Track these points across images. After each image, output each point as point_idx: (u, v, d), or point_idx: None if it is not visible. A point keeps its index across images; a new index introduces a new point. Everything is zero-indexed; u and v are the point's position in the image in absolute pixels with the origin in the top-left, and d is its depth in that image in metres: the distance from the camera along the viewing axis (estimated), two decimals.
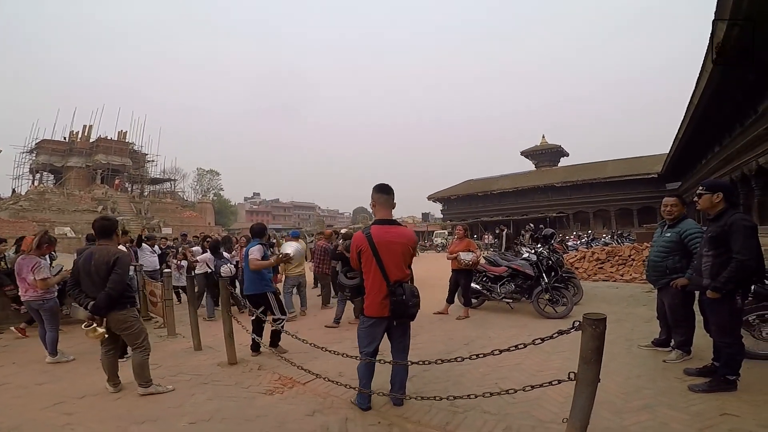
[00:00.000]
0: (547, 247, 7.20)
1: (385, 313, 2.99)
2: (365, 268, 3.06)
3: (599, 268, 10.51)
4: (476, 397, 2.52)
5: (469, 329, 5.66)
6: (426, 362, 2.68)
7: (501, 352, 2.34)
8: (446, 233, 33.61)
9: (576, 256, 11.40)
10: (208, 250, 7.42)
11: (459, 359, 2.53)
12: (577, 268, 10.24)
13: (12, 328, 5.84)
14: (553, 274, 6.35)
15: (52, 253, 6.72)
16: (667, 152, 21.91)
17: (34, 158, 37.54)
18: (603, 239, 17.52)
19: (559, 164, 45.13)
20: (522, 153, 46.53)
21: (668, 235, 4.02)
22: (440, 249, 28.77)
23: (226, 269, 6.69)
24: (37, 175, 38.31)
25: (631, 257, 10.45)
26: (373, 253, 2.97)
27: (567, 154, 46.34)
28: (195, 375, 3.98)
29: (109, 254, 3.40)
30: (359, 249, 3.06)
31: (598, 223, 35.52)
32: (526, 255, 6.89)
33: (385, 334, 3.15)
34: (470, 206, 43.20)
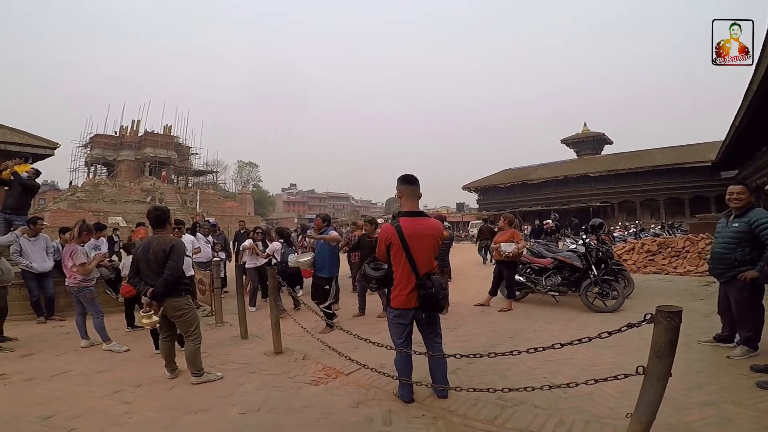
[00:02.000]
0: (595, 238, 6.88)
1: (411, 305, 2.98)
2: (394, 260, 3.03)
3: (650, 260, 9.99)
4: (533, 389, 2.42)
5: (513, 322, 5.52)
6: (478, 355, 2.59)
7: (563, 345, 2.21)
8: (482, 223, 32.97)
9: (624, 247, 10.88)
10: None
11: (515, 353, 2.40)
12: (625, 260, 9.77)
13: None
14: (602, 266, 6.08)
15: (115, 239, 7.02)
16: (723, 139, 20.58)
17: (88, 152, 39.86)
18: (652, 230, 16.63)
19: (603, 152, 43.25)
20: (563, 141, 44.95)
21: (736, 225, 3.75)
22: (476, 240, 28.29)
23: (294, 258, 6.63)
24: (92, 168, 40.72)
25: (685, 249, 9.86)
26: (403, 246, 2.95)
27: (611, 142, 44.35)
28: (243, 364, 4.07)
29: (165, 242, 3.54)
30: (388, 242, 3.03)
31: (646, 213, 33.85)
32: (573, 246, 6.62)
33: (415, 328, 3.14)
34: (507, 196, 42.26)
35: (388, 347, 3.05)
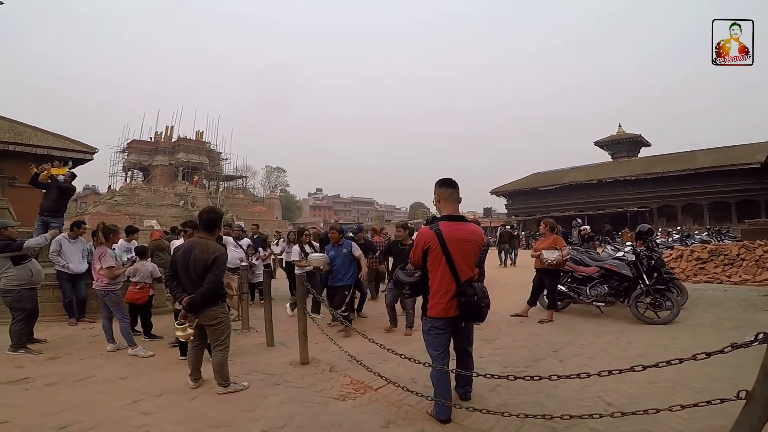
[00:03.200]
0: (643, 244, 6.37)
1: (450, 314, 2.83)
2: (432, 266, 2.87)
3: (700, 268, 9.33)
4: (619, 415, 2.10)
5: (556, 334, 5.12)
6: (536, 378, 2.31)
7: (645, 368, 1.86)
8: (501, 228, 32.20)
9: (671, 254, 10.18)
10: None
11: (583, 375, 2.05)
12: (672, 268, 9.12)
13: None
14: (654, 274, 5.59)
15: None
16: None
17: (125, 157, 41.40)
18: (698, 236, 15.60)
19: (640, 155, 41.47)
20: (596, 143, 43.34)
21: None
22: None
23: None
24: (129, 173, 42.27)
25: (740, 256, 9.15)
26: (443, 251, 2.80)
27: (648, 144, 42.42)
28: (268, 374, 3.87)
29: (208, 252, 3.32)
30: (427, 246, 2.86)
31: (688, 219, 32.04)
32: (620, 254, 6.14)
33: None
34: (538, 200, 41.06)
35: (416, 361, 2.82)
